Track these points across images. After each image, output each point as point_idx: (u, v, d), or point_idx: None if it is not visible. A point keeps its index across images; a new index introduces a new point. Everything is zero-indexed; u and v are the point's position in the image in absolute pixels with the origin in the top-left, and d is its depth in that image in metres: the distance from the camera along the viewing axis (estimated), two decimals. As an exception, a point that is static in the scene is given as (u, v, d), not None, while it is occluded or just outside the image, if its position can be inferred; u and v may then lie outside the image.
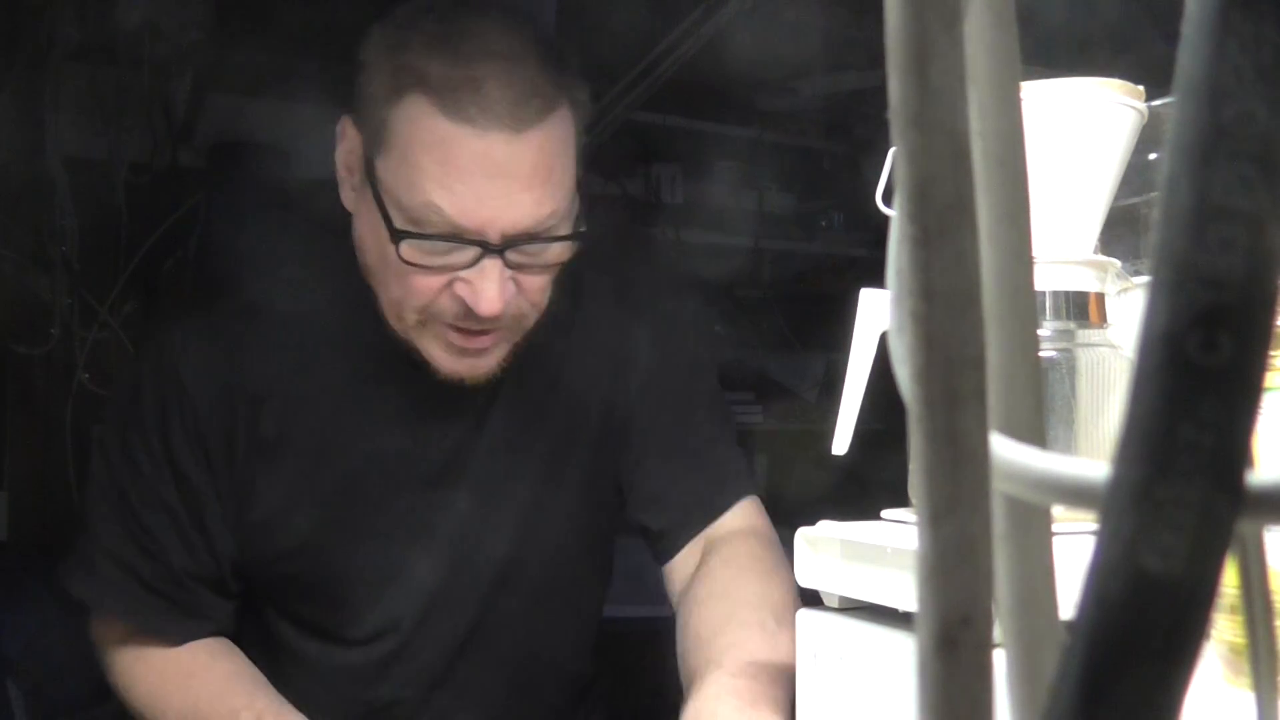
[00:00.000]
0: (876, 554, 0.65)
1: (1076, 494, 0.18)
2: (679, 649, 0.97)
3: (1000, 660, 0.20)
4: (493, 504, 1.05)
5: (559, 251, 0.93)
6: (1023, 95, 0.22)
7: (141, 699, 1.02)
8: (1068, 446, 0.64)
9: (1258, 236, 0.15)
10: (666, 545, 1.07)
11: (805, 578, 0.71)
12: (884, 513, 0.72)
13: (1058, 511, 0.22)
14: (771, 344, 2.59)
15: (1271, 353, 0.27)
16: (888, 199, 0.67)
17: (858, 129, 2.31)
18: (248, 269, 1.04)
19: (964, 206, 0.18)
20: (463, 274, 0.89)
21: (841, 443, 0.71)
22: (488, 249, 0.88)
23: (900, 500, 0.70)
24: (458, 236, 0.87)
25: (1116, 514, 0.16)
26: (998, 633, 0.20)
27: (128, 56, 1.72)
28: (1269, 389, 0.58)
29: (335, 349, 1.01)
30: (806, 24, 1.91)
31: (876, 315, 0.70)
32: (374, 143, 0.90)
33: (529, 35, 0.91)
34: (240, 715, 0.94)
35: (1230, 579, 0.18)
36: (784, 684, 0.84)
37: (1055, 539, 0.22)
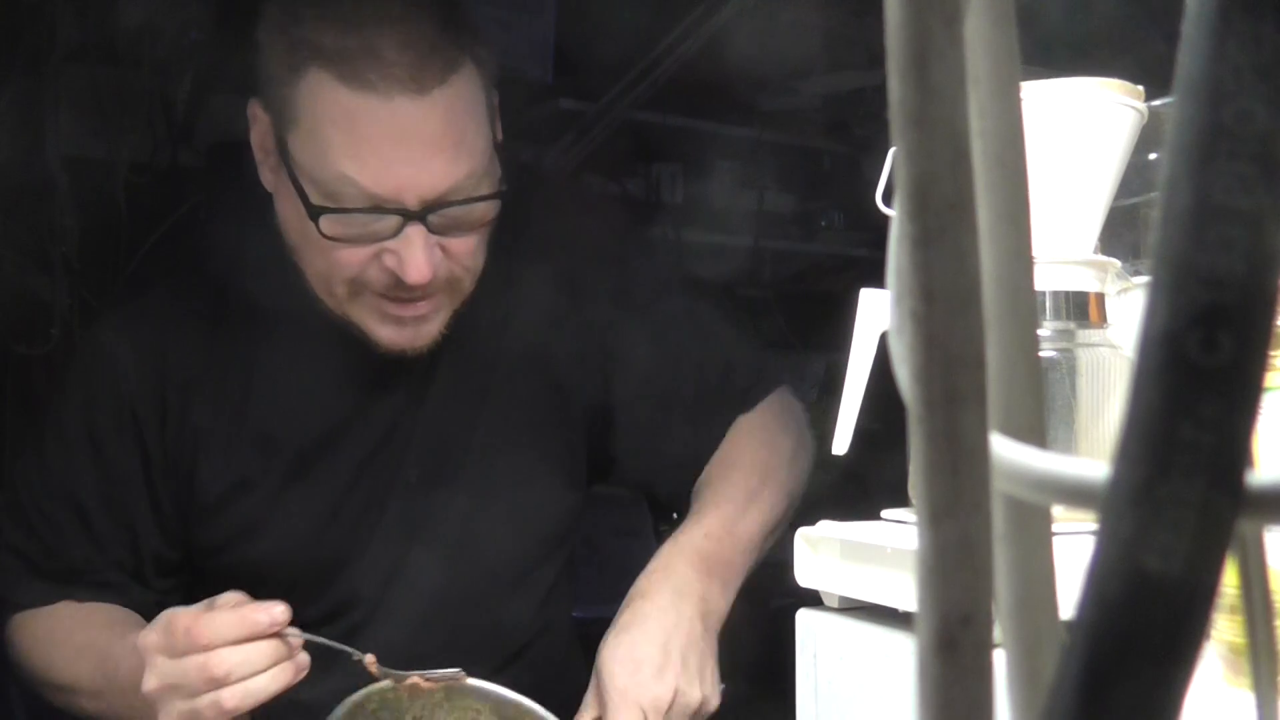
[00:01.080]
0: (876, 554, 0.65)
1: (1076, 494, 0.18)
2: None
3: (1000, 660, 0.20)
4: (442, 473, 1.04)
5: (483, 211, 0.91)
6: (1023, 95, 0.22)
7: (35, 652, 1.00)
8: (1068, 446, 0.64)
9: (1258, 236, 0.15)
10: (679, 493, 1.08)
11: (805, 578, 0.71)
12: (884, 513, 0.72)
13: (1058, 511, 0.22)
14: (771, 344, 2.58)
15: (1271, 353, 0.27)
16: (888, 199, 0.67)
17: (858, 129, 2.31)
18: (178, 254, 1.05)
19: (964, 206, 0.18)
20: (388, 244, 0.88)
21: (841, 443, 0.71)
22: (408, 216, 0.87)
23: (900, 500, 0.70)
24: (376, 207, 0.86)
25: (1116, 514, 0.16)
26: (998, 633, 0.20)
27: (128, 56, 1.72)
28: (1269, 389, 0.58)
29: (268, 330, 1.01)
30: (806, 24, 1.91)
31: (876, 315, 0.70)
32: (282, 121, 0.89)
33: None
34: (127, 637, 0.92)
35: (1230, 579, 0.18)
36: (747, 547, 0.98)
37: (1055, 539, 0.22)
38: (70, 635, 0.98)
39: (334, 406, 1.02)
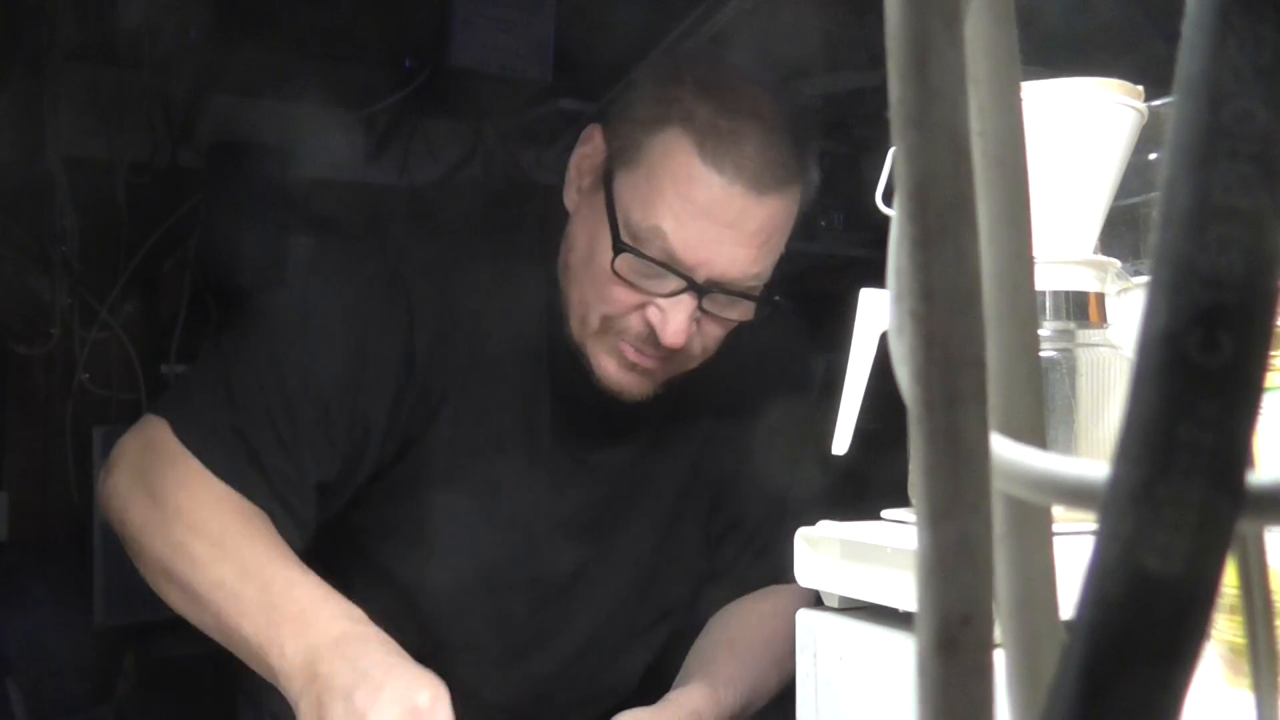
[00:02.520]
0: (876, 554, 0.65)
1: (1076, 494, 0.18)
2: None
3: (1000, 660, 0.20)
4: (618, 521, 1.09)
5: (745, 310, 0.97)
6: (1023, 95, 0.22)
7: (165, 526, 0.91)
8: (1068, 446, 0.64)
9: (1258, 236, 0.15)
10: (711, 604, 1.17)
11: (805, 578, 0.71)
12: (884, 513, 0.72)
13: (1058, 511, 0.22)
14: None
15: (1271, 353, 0.27)
16: (888, 199, 0.67)
17: (858, 129, 2.31)
18: (457, 222, 1.06)
19: (964, 206, 0.18)
20: (659, 301, 0.93)
21: (841, 443, 0.71)
22: (692, 285, 0.93)
23: (900, 500, 0.70)
24: (669, 266, 0.92)
25: (1116, 514, 0.16)
26: (998, 633, 0.20)
27: (128, 56, 1.72)
28: (1269, 389, 0.58)
29: (510, 351, 1.03)
30: (806, 24, 1.91)
31: (876, 315, 0.70)
32: (619, 158, 0.95)
33: (791, 109, 0.96)
34: (332, 599, 0.87)
35: (1230, 579, 0.18)
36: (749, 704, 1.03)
37: (1055, 539, 0.22)
38: (236, 539, 0.90)
39: (533, 429, 1.05)
